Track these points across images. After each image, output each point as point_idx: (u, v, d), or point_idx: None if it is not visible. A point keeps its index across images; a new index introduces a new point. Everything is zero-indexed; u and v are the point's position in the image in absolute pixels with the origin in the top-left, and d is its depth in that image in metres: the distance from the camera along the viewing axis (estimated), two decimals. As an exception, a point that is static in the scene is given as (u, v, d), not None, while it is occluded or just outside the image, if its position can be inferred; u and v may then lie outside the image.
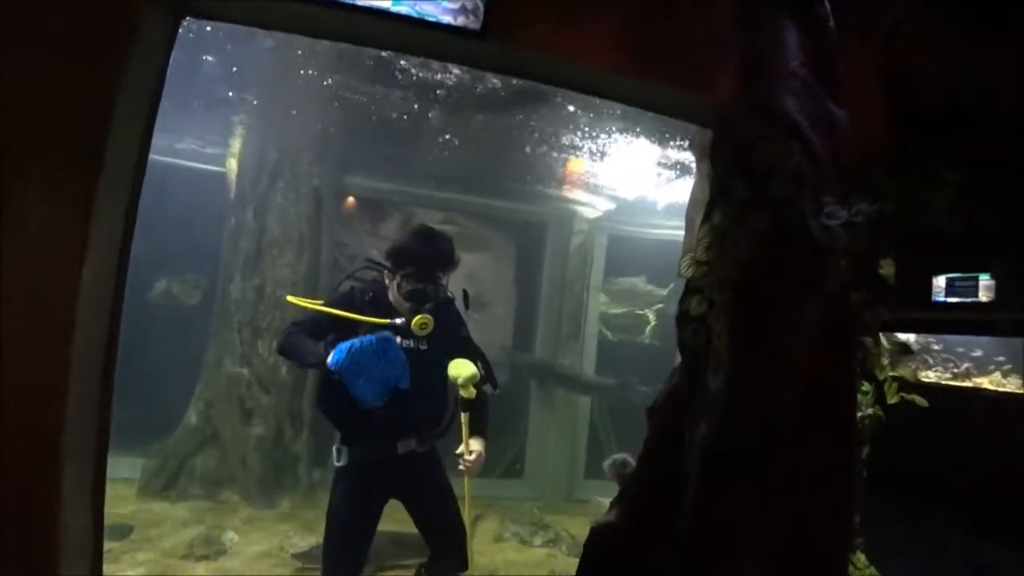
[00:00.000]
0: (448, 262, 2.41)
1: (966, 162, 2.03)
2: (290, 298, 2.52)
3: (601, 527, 1.59)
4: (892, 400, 2.25)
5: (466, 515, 2.49)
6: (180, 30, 1.68)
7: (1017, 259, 2.13)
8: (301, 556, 3.91)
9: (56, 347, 1.40)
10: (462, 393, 2.31)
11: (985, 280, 2.20)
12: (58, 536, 1.43)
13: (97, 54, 1.46)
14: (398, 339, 2.26)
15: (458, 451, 2.38)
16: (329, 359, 2.13)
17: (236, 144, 5.25)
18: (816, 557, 1.63)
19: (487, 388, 2.43)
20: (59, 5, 1.44)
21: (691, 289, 1.58)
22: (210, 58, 3.86)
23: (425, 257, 2.34)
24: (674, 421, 1.61)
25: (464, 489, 2.48)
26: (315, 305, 2.36)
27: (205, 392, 4.89)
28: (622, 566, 1.63)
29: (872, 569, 2.12)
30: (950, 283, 2.28)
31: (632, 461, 3.22)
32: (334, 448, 2.41)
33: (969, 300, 2.23)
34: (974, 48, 2.05)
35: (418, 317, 2.28)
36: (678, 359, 1.68)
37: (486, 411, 2.49)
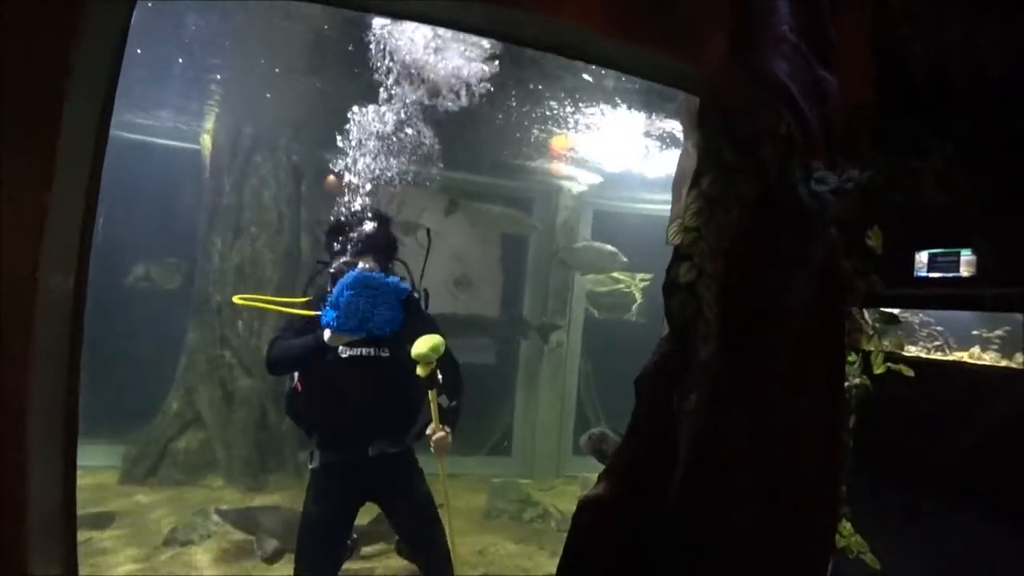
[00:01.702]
0: (380, 243, 2.33)
1: (951, 134, 2.01)
2: (237, 299, 2.45)
3: (589, 501, 1.57)
4: (879, 371, 2.26)
5: (447, 522, 2.46)
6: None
7: (998, 234, 2.13)
8: (223, 514, 3.90)
9: (16, 326, 1.33)
10: (419, 370, 2.25)
11: (967, 255, 2.20)
12: (26, 525, 1.38)
13: (46, 29, 1.37)
14: (361, 350, 2.24)
15: (428, 431, 2.34)
16: (326, 323, 2.11)
17: (210, 120, 5.08)
18: (804, 525, 1.63)
19: (443, 400, 2.36)
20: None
21: (680, 256, 1.54)
22: (184, 30, 3.71)
23: (355, 241, 2.28)
24: (662, 392, 1.59)
25: (440, 472, 2.46)
26: (262, 303, 2.42)
27: (186, 376, 4.81)
28: (611, 539, 1.62)
29: (857, 537, 2.15)
30: (932, 258, 2.28)
31: (611, 434, 3.23)
32: (309, 451, 2.39)
33: (951, 275, 2.24)
34: (963, 21, 2.03)
35: (363, 259, 2.27)
36: (666, 329, 1.66)
37: (457, 406, 2.43)
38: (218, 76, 4.44)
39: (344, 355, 2.25)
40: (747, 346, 1.54)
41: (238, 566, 3.69)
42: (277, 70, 4.26)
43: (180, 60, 4.09)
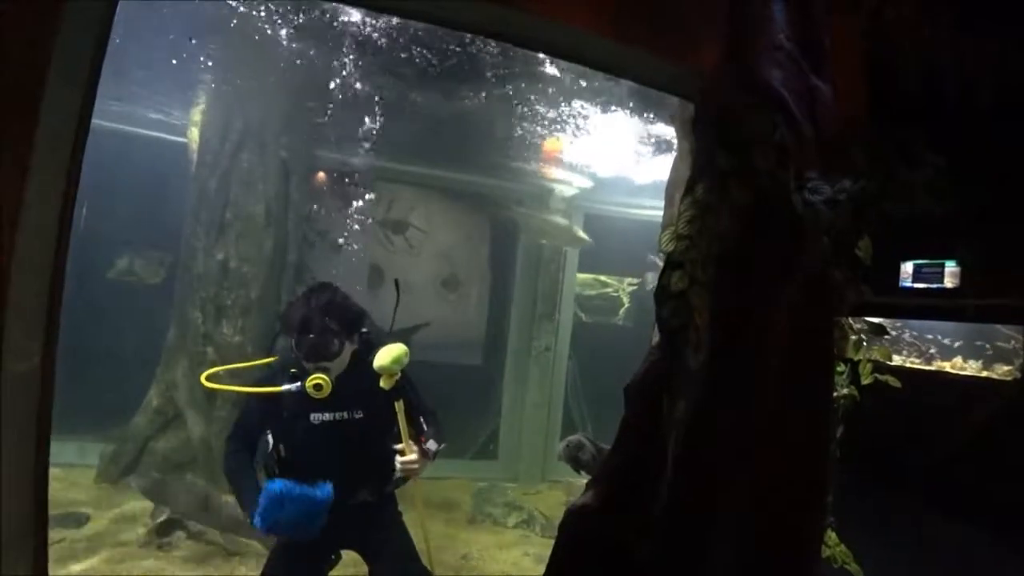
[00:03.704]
0: (325, 320, 2.17)
1: (941, 145, 2.02)
2: (205, 380, 2.36)
3: (577, 508, 1.55)
4: (866, 381, 2.27)
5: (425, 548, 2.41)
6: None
7: (982, 246, 2.15)
8: (136, 483, 3.91)
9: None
10: (382, 383, 2.21)
11: (951, 267, 2.22)
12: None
13: (26, 14, 1.32)
14: (334, 415, 2.20)
15: (397, 447, 2.26)
16: (253, 520, 2.08)
17: (198, 112, 5.00)
18: (790, 535, 1.63)
19: (431, 445, 2.29)
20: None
21: (672, 264, 1.53)
22: (174, 22, 3.65)
23: (305, 327, 2.16)
24: (652, 399, 1.58)
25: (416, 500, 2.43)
26: (233, 388, 2.38)
27: (166, 373, 4.71)
28: (598, 547, 1.60)
29: (842, 547, 2.15)
30: (917, 269, 2.30)
31: (588, 443, 3.22)
32: None
33: (935, 286, 2.26)
34: (954, 34, 2.05)
35: (311, 378, 2.14)
36: (656, 337, 1.64)
37: (429, 415, 2.37)
38: (208, 69, 4.38)
39: (316, 422, 2.20)
40: (737, 354, 1.53)
41: (213, 567, 3.63)
42: (267, 65, 4.21)
43: (169, 52, 4.03)
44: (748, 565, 1.53)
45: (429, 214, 6.21)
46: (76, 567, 3.35)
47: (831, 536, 2.14)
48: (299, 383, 2.13)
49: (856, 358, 2.31)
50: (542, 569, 1.63)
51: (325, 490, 2.10)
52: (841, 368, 2.23)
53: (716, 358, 1.50)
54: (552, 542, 1.66)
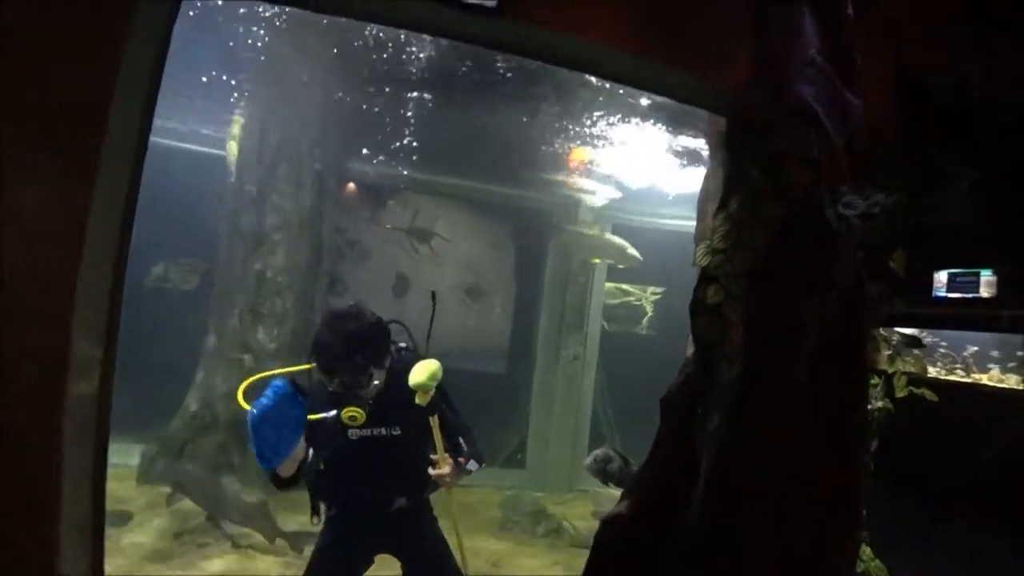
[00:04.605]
0: (354, 357, 2.15)
1: (974, 157, 2.01)
2: (241, 399, 2.37)
3: (612, 518, 1.58)
4: (901, 394, 2.24)
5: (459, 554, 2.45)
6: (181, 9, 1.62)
7: (1020, 255, 2.12)
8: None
9: (56, 327, 1.37)
10: (417, 399, 2.23)
11: (987, 276, 2.19)
12: (59, 521, 1.41)
13: (96, 29, 1.41)
14: (371, 431, 2.23)
15: (433, 456, 2.30)
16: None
17: (236, 127, 5.18)
18: (824, 549, 1.62)
19: (472, 465, 2.33)
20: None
21: (706, 278, 1.55)
22: (211, 39, 3.80)
23: (331, 353, 2.16)
24: (686, 412, 1.59)
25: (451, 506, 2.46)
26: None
27: (205, 378, 4.86)
28: (633, 557, 1.61)
29: (877, 562, 2.12)
30: (951, 278, 2.26)
31: (615, 456, 3.23)
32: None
33: (970, 296, 2.22)
34: (982, 47, 2.04)
35: (347, 410, 2.15)
36: (691, 349, 1.66)
37: (467, 435, 2.40)
38: (246, 85, 4.53)
39: (355, 437, 2.25)
40: (770, 368, 1.54)
41: (251, 566, 3.73)
42: (304, 79, 4.34)
43: (210, 67, 4.19)
44: (781, 578, 1.54)
45: (454, 224, 6.29)
46: (121, 561, 3.50)
47: (866, 551, 2.11)
48: (336, 412, 2.15)
49: (890, 370, 2.29)
50: None
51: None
52: (875, 381, 2.21)
53: (750, 371, 1.51)
54: (580, 551, 1.68)
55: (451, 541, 2.46)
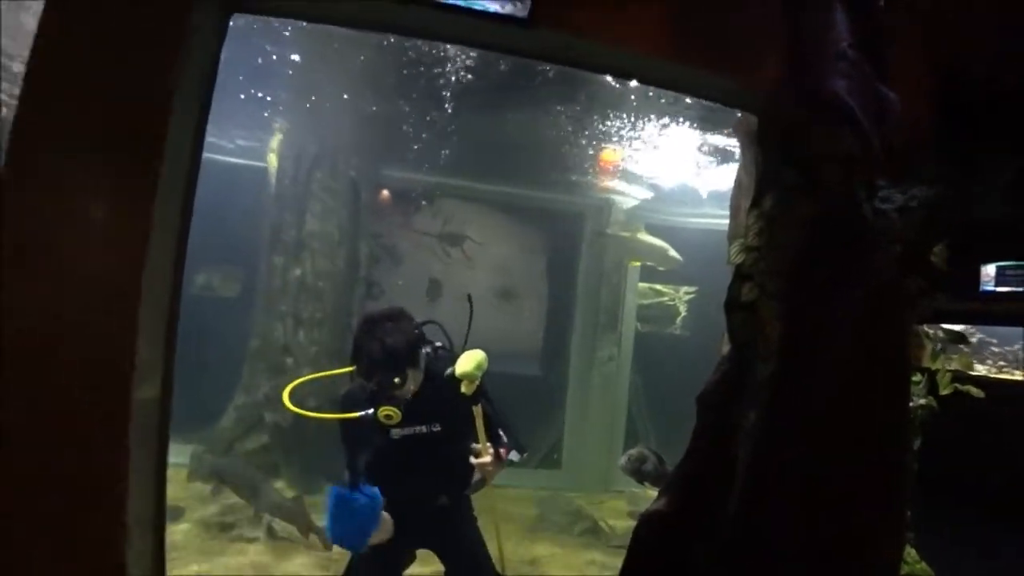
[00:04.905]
0: (387, 360, 2.22)
1: (1017, 147, 1.96)
2: (287, 402, 2.44)
3: (650, 515, 1.59)
4: (945, 391, 2.19)
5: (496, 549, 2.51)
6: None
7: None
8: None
9: (123, 334, 1.46)
10: (463, 388, 2.29)
11: (1040, 268, 2.11)
12: (126, 518, 1.49)
13: (155, 52, 1.51)
14: (413, 429, 2.31)
15: (475, 446, 2.35)
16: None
17: (276, 140, 5.37)
18: (865, 550, 1.61)
19: (513, 456, 2.39)
20: (116, 5, 1.49)
21: (741, 276, 1.56)
22: (250, 54, 3.95)
23: (369, 372, 2.24)
24: (723, 410, 1.60)
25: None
26: (313, 414, 2.47)
27: (249, 381, 5.05)
28: (670, 554, 1.63)
29: (923, 564, 2.08)
30: (1000, 272, 2.20)
31: (650, 455, 3.22)
32: None
33: (1021, 289, 2.15)
34: (1020, 34, 1.98)
35: (382, 410, 2.23)
36: (726, 347, 1.67)
37: (507, 427, 2.45)
38: (283, 99, 4.69)
39: (396, 436, 2.32)
40: (806, 365, 1.54)
41: (295, 563, 3.88)
42: (345, 96, 4.47)
43: (249, 84, 4.35)
44: (820, 577, 1.53)
45: (486, 228, 6.36)
46: (172, 553, 3.69)
47: (911, 553, 2.07)
48: (372, 411, 2.24)
49: (934, 367, 2.24)
50: None
51: (373, 495, 2.18)
52: (918, 378, 2.17)
53: (786, 369, 1.51)
54: (617, 551, 1.70)
55: (489, 539, 2.51)
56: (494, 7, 1.49)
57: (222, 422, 5.00)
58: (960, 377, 2.23)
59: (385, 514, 2.22)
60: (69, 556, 1.44)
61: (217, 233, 5.51)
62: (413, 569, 2.48)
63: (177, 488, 4.62)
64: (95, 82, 1.45)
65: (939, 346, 2.30)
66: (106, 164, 1.45)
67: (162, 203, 1.51)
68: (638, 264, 6.19)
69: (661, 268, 6.19)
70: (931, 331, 2.30)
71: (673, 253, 6.01)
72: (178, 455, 4.88)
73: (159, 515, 1.70)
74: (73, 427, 1.44)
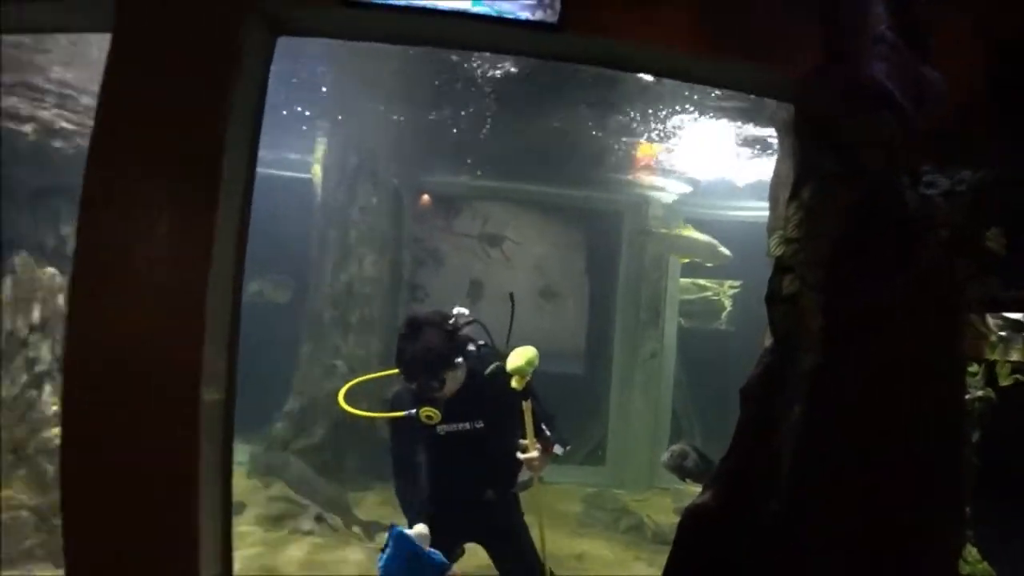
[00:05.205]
0: (424, 364, 2.30)
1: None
2: (342, 402, 2.54)
3: (695, 508, 1.60)
4: (1005, 382, 2.11)
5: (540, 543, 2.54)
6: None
7: None
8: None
9: (191, 341, 1.58)
10: (514, 383, 2.34)
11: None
12: (199, 505, 1.61)
13: (210, 75, 1.62)
14: (457, 426, 2.37)
15: (522, 441, 2.39)
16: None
17: (319, 151, 5.58)
18: (921, 549, 1.57)
19: (557, 450, 2.44)
20: (173, 35, 1.61)
21: (781, 268, 1.55)
22: (291, 70, 4.11)
23: (408, 362, 2.33)
24: (766, 403, 1.59)
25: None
26: (363, 414, 2.57)
27: (302, 384, 5.26)
28: (715, 548, 1.63)
29: (985, 564, 2.00)
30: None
31: (691, 451, 3.19)
32: None
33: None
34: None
35: (423, 411, 2.31)
36: (768, 340, 1.66)
37: (553, 423, 2.49)
38: (325, 113, 4.86)
39: (442, 433, 2.39)
40: (851, 357, 1.52)
41: (347, 554, 4.07)
42: (381, 108, 4.61)
43: (291, 99, 4.54)
44: None
45: (524, 228, 6.41)
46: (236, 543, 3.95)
47: (971, 552, 2.00)
48: (415, 411, 2.32)
49: (992, 358, 2.16)
50: (655, 572, 1.67)
51: (436, 559, 2.16)
52: (974, 369, 2.09)
53: (828, 361, 1.49)
54: (662, 547, 1.71)
55: (535, 534, 2.55)
56: (525, 14, 1.53)
57: (277, 422, 5.22)
58: (1021, 368, 2.14)
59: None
60: (154, 547, 1.56)
61: (267, 243, 5.76)
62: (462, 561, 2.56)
63: (237, 484, 4.88)
64: (158, 110, 1.57)
65: (1000, 335, 2.21)
66: (171, 184, 1.57)
67: (222, 218, 1.62)
68: (686, 260, 6.09)
69: (709, 264, 6.09)
70: (990, 321, 2.21)
71: (722, 249, 5.91)
72: (238, 454, 5.12)
73: (226, 508, 1.82)
74: (151, 428, 1.56)
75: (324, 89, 4.43)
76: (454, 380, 2.36)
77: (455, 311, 2.50)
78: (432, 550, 2.17)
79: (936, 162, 1.67)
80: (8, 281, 3.77)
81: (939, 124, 1.65)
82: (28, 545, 3.43)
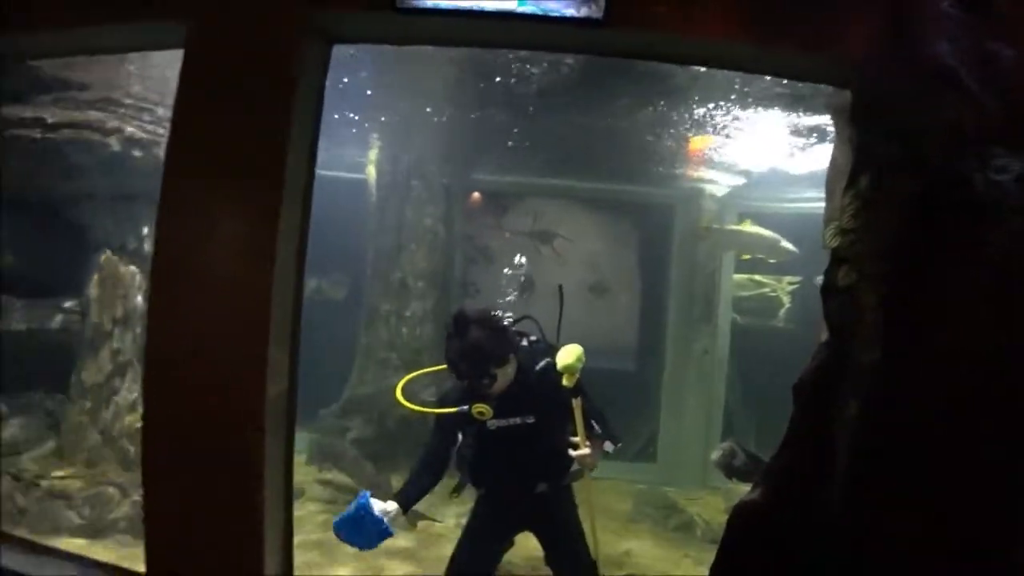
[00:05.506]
0: (473, 362, 2.34)
1: None
2: (400, 396, 2.62)
3: (744, 504, 1.58)
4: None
5: (592, 535, 2.58)
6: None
7: None
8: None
9: (258, 336, 1.68)
10: (564, 381, 2.36)
11: None
12: (263, 490, 1.71)
13: (271, 88, 1.72)
14: (508, 421, 2.41)
15: (574, 439, 2.42)
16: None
17: (374, 153, 5.76)
18: (992, 555, 1.49)
19: (608, 446, 2.46)
20: (238, 52, 1.72)
21: (837, 260, 1.51)
22: (351, 81, 4.26)
23: (458, 373, 2.38)
24: (820, 399, 1.56)
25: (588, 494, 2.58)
26: (419, 409, 2.64)
27: (359, 375, 5.48)
28: (765, 546, 1.60)
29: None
30: None
31: (740, 450, 3.11)
32: None
33: None
34: None
35: (475, 406, 2.35)
36: (824, 334, 1.62)
37: (603, 419, 2.51)
38: (379, 116, 5.01)
39: (493, 427, 2.44)
40: (918, 351, 1.46)
41: (401, 536, 4.12)
42: (428, 109, 4.72)
43: (346, 103, 4.69)
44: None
45: (575, 224, 6.40)
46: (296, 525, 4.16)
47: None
48: (467, 407, 2.38)
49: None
50: (703, 571, 1.66)
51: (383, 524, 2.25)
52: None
53: (892, 356, 1.44)
54: (711, 546, 1.69)
55: (586, 528, 2.58)
56: (570, 11, 1.55)
57: (334, 413, 5.44)
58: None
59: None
60: (223, 524, 1.68)
61: (324, 242, 5.98)
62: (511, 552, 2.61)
63: (296, 471, 5.12)
64: (225, 121, 1.68)
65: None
66: (239, 188, 1.68)
67: (284, 220, 1.72)
68: (747, 257, 5.91)
69: (772, 260, 5.87)
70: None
71: (786, 244, 5.68)
72: (298, 442, 5.37)
73: (288, 492, 1.92)
74: (221, 416, 1.68)
75: (381, 90, 4.56)
76: (504, 376, 2.40)
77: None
78: (385, 521, 2.24)
79: (1007, 146, 1.58)
80: (95, 278, 4.15)
81: (1010, 105, 1.56)
82: (112, 517, 3.75)
